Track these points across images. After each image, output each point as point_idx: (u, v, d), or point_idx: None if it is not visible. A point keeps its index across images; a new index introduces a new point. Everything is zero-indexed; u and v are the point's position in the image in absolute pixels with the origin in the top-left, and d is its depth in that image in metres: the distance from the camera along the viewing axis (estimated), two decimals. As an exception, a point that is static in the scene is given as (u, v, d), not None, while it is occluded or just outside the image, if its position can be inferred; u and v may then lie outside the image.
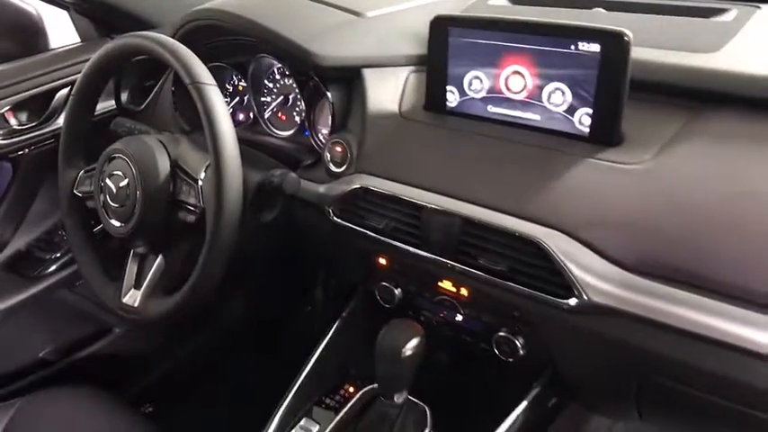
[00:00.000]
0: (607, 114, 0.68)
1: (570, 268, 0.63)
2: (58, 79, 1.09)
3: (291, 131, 1.01)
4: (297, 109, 1.01)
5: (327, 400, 0.81)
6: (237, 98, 1.09)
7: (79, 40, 1.19)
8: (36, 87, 1.07)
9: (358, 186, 0.79)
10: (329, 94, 0.85)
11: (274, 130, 1.04)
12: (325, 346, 0.86)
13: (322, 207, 0.83)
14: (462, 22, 0.76)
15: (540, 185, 0.68)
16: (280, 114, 1.04)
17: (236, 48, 1.00)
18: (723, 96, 0.67)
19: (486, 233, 0.69)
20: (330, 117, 0.87)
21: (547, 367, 0.75)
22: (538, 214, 0.67)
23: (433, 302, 0.82)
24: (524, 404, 0.73)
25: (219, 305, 1.46)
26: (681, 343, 0.60)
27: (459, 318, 0.81)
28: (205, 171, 0.78)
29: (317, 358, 0.84)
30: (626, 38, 0.64)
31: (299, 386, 0.81)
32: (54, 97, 1.10)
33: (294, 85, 0.97)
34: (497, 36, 0.73)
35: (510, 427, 0.71)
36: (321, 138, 0.94)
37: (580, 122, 0.71)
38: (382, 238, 0.78)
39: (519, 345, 0.74)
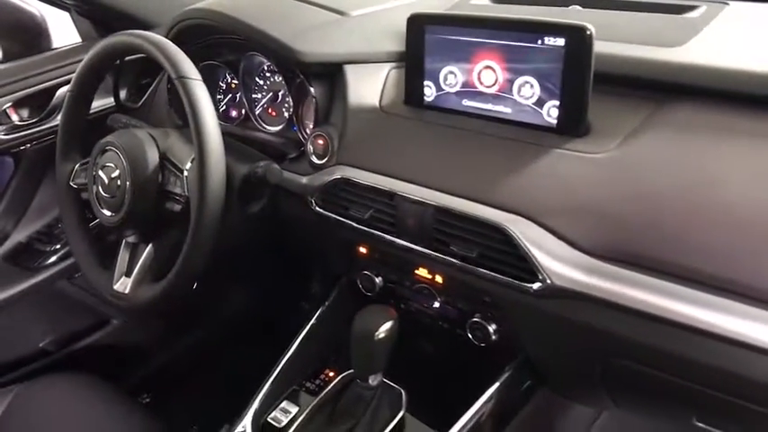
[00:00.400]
0: (573, 106, 0.71)
1: (534, 253, 0.65)
2: (59, 77, 1.13)
3: (281, 126, 1.05)
4: (285, 105, 1.04)
5: (308, 384, 0.84)
6: (230, 95, 1.13)
7: (80, 40, 1.24)
8: (37, 85, 1.12)
9: (338, 177, 0.82)
10: (312, 89, 0.89)
11: (264, 125, 1.07)
12: (308, 333, 0.89)
13: (305, 198, 0.87)
14: (437, 19, 0.79)
15: (508, 175, 0.71)
16: (270, 110, 1.08)
17: (227, 46, 1.03)
18: (686, 89, 0.69)
19: (457, 221, 0.72)
20: (314, 111, 0.90)
21: (518, 352, 0.78)
22: (505, 202, 0.70)
23: (412, 290, 0.85)
24: (495, 387, 0.75)
25: (217, 299, 1.49)
26: (642, 326, 0.62)
27: (436, 305, 0.83)
28: (191, 162, 0.81)
29: (299, 344, 0.87)
30: (588, 32, 0.67)
31: (281, 371, 0.84)
32: (54, 95, 1.14)
33: (282, 82, 1.01)
34: (469, 32, 0.76)
35: (480, 408, 0.74)
36: (307, 132, 0.98)
37: (548, 114, 0.73)
38: (361, 228, 0.81)
39: (491, 330, 0.77)
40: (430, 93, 0.83)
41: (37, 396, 1.06)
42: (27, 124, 1.12)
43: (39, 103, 1.13)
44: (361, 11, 0.95)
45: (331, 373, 0.84)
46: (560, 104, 0.72)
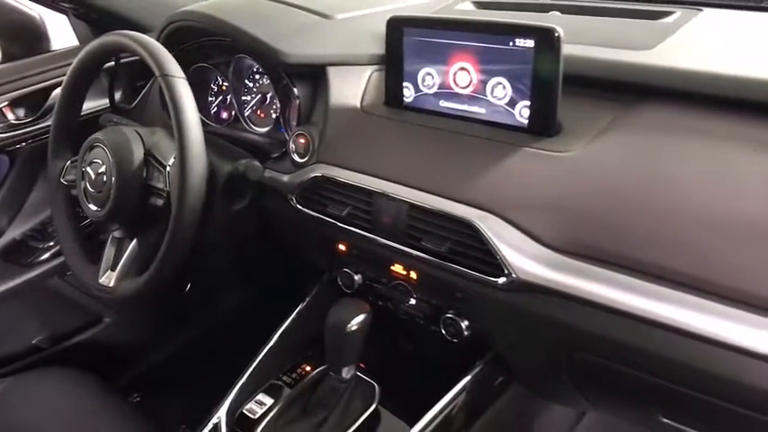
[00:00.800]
0: (543, 107, 0.72)
1: (500, 248, 0.67)
2: (54, 78, 1.16)
3: (268, 128, 1.07)
4: (273, 107, 1.07)
5: (285, 378, 0.85)
6: (221, 97, 1.15)
7: (78, 42, 1.27)
8: (33, 85, 1.15)
9: (317, 175, 0.84)
10: (296, 90, 0.91)
11: (253, 126, 1.10)
12: (287, 328, 0.90)
13: (286, 195, 0.89)
14: (414, 21, 0.81)
15: (479, 173, 0.73)
16: (258, 112, 1.10)
17: (217, 49, 1.06)
18: (653, 90, 0.71)
19: (429, 217, 0.74)
20: (297, 112, 0.93)
21: (489, 348, 0.79)
22: (475, 199, 0.71)
23: (389, 287, 0.86)
24: (465, 381, 0.77)
25: (209, 300, 1.51)
26: (603, 319, 0.63)
27: (412, 302, 0.85)
28: (174, 158, 0.84)
29: (278, 339, 0.89)
30: (556, 34, 0.69)
31: (258, 365, 0.85)
32: (50, 95, 1.17)
33: (270, 84, 1.03)
34: (445, 35, 0.78)
35: (450, 402, 0.75)
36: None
37: (520, 114, 0.75)
38: (340, 225, 0.83)
39: (464, 326, 0.78)
40: (409, 94, 0.85)
41: (27, 389, 1.07)
42: (22, 123, 1.15)
43: (34, 102, 1.16)
44: (345, 14, 0.98)
45: (308, 368, 0.86)
46: (531, 105, 0.73)
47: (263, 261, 1.35)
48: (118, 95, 1.23)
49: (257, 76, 1.08)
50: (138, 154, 0.86)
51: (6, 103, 1.12)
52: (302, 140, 0.89)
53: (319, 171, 0.85)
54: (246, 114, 1.11)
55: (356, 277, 0.89)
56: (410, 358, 0.89)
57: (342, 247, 0.88)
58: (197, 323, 1.52)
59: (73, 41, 1.29)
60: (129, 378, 1.43)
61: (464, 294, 0.75)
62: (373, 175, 0.81)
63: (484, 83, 0.77)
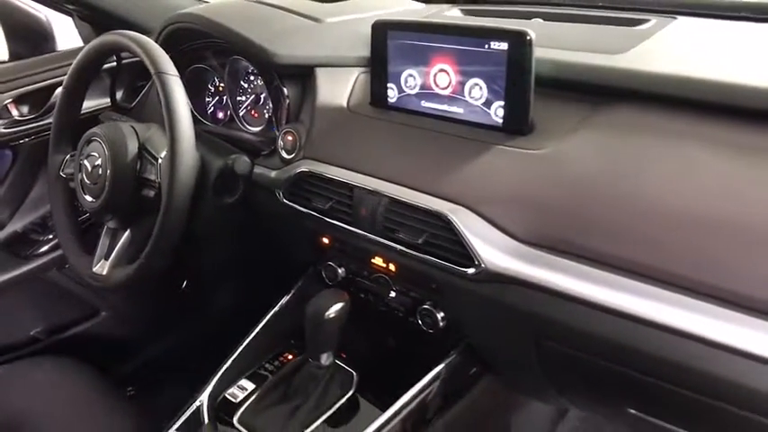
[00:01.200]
0: (516, 106, 0.76)
1: (470, 240, 0.70)
2: (58, 77, 1.20)
3: (261, 127, 1.11)
4: (267, 107, 1.10)
5: (267, 366, 0.88)
6: (217, 98, 1.19)
7: (82, 44, 1.32)
8: (37, 83, 1.19)
9: (302, 170, 0.88)
10: (285, 89, 0.95)
11: (247, 126, 1.14)
12: (271, 319, 0.93)
13: (273, 190, 0.92)
14: (398, 25, 0.84)
15: (455, 169, 0.76)
16: (252, 112, 1.14)
17: (213, 50, 1.10)
18: (621, 92, 0.74)
19: (406, 210, 0.77)
20: (287, 111, 0.96)
21: (464, 338, 0.82)
22: (449, 193, 0.74)
23: (370, 280, 0.89)
24: (438, 369, 0.79)
25: (205, 297, 1.54)
26: (568, 309, 0.66)
27: (392, 294, 0.87)
28: (166, 151, 0.87)
29: (263, 329, 0.92)
30: (528, 37, 0.72)
31: (243, 352, 0.89)
32: (53, 93, 1.21)
33: (263, 85, 1.07)
34: (426, 38, 0.81)
35: (423, 388, 0.78)
36: (283, 131, 1.03)
37: (495, 114, 0.78)
38: (323, 218, 0.86)
39: (439, 318, 0.81)
40: (393, 94, 0.88)
41: (23, 376, 1.10)
42: (26, 119, 1.19)
43: (38, 100, 1.20)
44: (335, 18, 1.02)
45: (290, 356, 0.89)
46: (505, 105, 0.77)
47: (255, 259, 1.39)
48: (119, 95, 1.27)
49: (252, 77, 1.12)
50: (133, 148, 0.90)
51: (11, 99, 1.16)
52: (290, 137, 0.92)
53: (305, 167, 0.88)
54: (241, 114, 1.15)
55: (340, 270, 0.92)
56: (389, 349, 0.92)
57: (325, 240, 0.92)
58: (192, 320, 1.55)
59: (78, 43, 1.34)
60: (123, 371, 1.46)
61: (438, 285, 0.78)
62: (356, 171, 0.84)
63: (462, 84, 0.80)
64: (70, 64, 1.21)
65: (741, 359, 0.58)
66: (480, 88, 0.79)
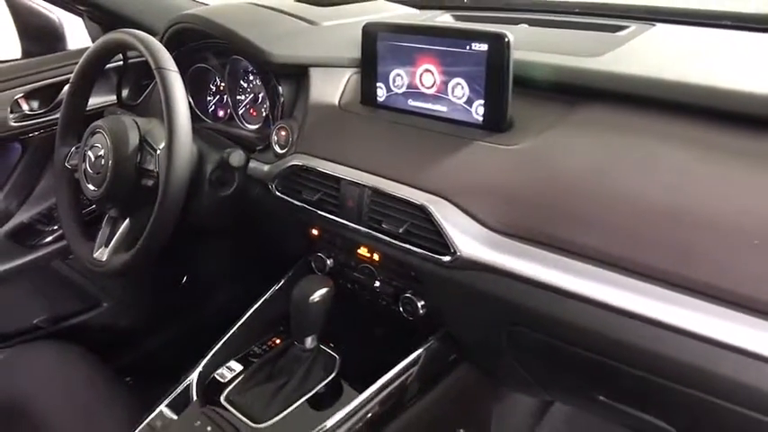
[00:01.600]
0: (495, 105, 0.80)
1: (447, 228, 0.74)
2: (67, 74, 1.26)
3: (259, 125, 1.15)
4: (264, 106, 1.15)
5: (255, 349, 0.92)
6: (218, 96, 1.24)
7: (91, 43, 1.37)
8: (47, 80, 1.25)
9: (294, 164, 0.92)
10: (280, 87, 1.00)
11: (246, 123, 1.18)
12: (261, 306, 0.97)
13: (267, 183, 0.96)
14: (387, 27, 0.89)
15: (435, 163, 0.80)
16: (251, 110, 1.19)
17: (214, 50, 1.15)
18: (595, 92, 0.77)
19: (388, 201, 0.81)
20: (281, 108, 1.01)
21: (442, 325, 0.85)
22: (430, 185, 0.78)
23: (357, 270, 0.93)
24: (418, 352, 0.83)
25: (204, 294, 1.58)
26: (536, 294, 0.70)
27: (377, 284, 0.91)
28: (165, 143, 0.92)
29: (252, 316, 0.96)
30: (506, 39, 0.76)
31: (232, 337, 0.93)
32: (62, 89, 1.27)
33: (261, 84, 1.12)
34: (412, 39, 0.86)
35: (402, 371, 0.81)
36: (278, 128, 1.08)
37: (476, 112, 0.82)
38: (312, 209, 0.90)
39: (419, 306, 0.84)
40: (381, 93, 0.92)
41: (25, 359, 1.15)
42: (36, 114, 1.24)
43: (48, 95, 1.25)
44: (330, 22, 1.07)
45: (278, 341, 0.93)
46: (485, 103, 0.81)
47: (251, 254, 1.43)
48: (125, 93, 1.32)
49: (251, 77, 1.16)
50: (134, 139, 0.95)
51: (22, 94, 1.22)
52: (283, 133, 0.97)
53: (296, 160, 0.92)
54: (240, 113, 1.19)
55: (328, 261, 0.96)
56: (372, 337, 0.95)
57: (315, 231, 0.96)
58: (191, 315, 1.59)
59: (87, 43, 1.40)
60: (123, 362, 1.50)
61: (418, 273, 0.82)
62: (344, 165, 0.88)
63: (445, 83, 0.84)
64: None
65: (701, 344, 0.60)
66: (462, 87, 0.83)
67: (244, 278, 1.59)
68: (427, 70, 0.86)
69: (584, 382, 0.78)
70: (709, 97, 0.69)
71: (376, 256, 0.88)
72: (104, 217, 1.04)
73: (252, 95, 1.17)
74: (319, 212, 0.89)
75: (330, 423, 0.75)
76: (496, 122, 0.80)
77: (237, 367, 0.88)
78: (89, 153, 0.98)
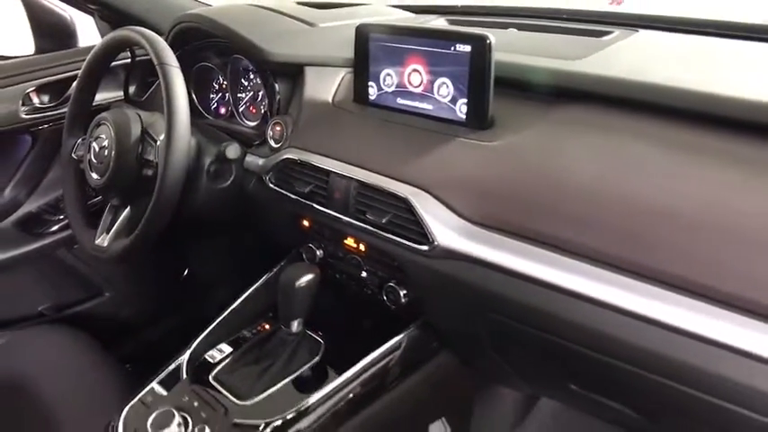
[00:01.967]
0: (477, 103, 0.83)
1: (426, 219, 0.78)
2: (77, 70, 1.31)
3: (258, 121, 1.20)
4: (264, 103, 1.20)
5: (245, 333, 0.96)
6: (220, 94, 1.29)
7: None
8: (58, 74, 1.30)
9: (287, 157, 0.96)
10: (277, 85, 1.04)
11: (245, 120, 1.23)
12: (252, 293, 1.01)
13: (261, 176, 1.01)
14: (378, 28, 0.93)
15: (419, 158, 0.84)
16: (251, 108, 1.23)
17: (216, 49, 1.20)
18: (574, 92, 0.81)
19: (373, 193, 0.85)
20: (276, 104, 1.05)
21: (423, 313, 0.89)
22: (412, 178, 0.82)
23: (344, 260, 0.97)
24: (399, 338, 0.87)
25: (204, 289, 1.63)
26: (510, 282, 0.73)
27: (363, 274, 0.95)
28: (164, 134, 0.96)
29: (244, 302, 1.00)
30: (488, 41, 0.80)
31: (221, 322, 0.97)
32: (72, 84, 1.32)
33: (260, 83, 1.17)
34: (401, 40, 0.90)
35: (383, 355, 0.85)
36: (275, 124, 1.12)
37: (460, 111, 0.86)
38: (302, 201, 0.94)
39: (402, 294, 0.88)
40: (373, 92, 0.96)
41: (27, 343, 1.19)
42: (46, 107, 1.30)
43: (58, 90, 1.31)
44: (327, 23, 1.11)
45: (267, 326, 0.97)
46: (468, 102, 0.85)
47: (248, 247, 1.47)
48: (132, 90, 1.38)
49: (251, 76, 1.21)
50: (136, 131, 0.99)
51: (34, 88, 1.27)
52: (278, 128, 1.01)
53: (290, 154, 0.97)
54: (241, 110, 1.24)
55: (318, 252, 1.00)
56: (357, 324, 0.99)
57: (306, 222, 1.00)
58: (190, 308, 1.63)
59: (98, 41, 1.45)
60: (123, 350, 1.54)
61: (400, 263, 0.85)
62: (334, 159, 0.92)
63: (432, 83, 0.88)
64: (87, 59, 1.33)
65: (664, 331, 0.63)
66: (447, 87, 0.87)
67: (242, 274, 1.63)
68: (415, 70, 0.90)
69: (556, 370, 0.81)
70: (688, 100, 0.72)
71: (362, 247, 0.92)
72: (107, 205, 1.09)
73: (252, 93, 1.22)
74: (310, 204, 0.93)
75: (312, 400, 0.79)
76: (478, 120, 0.84)
77: (227, 349, 0.92)
78: (94, 144, 1.03)
